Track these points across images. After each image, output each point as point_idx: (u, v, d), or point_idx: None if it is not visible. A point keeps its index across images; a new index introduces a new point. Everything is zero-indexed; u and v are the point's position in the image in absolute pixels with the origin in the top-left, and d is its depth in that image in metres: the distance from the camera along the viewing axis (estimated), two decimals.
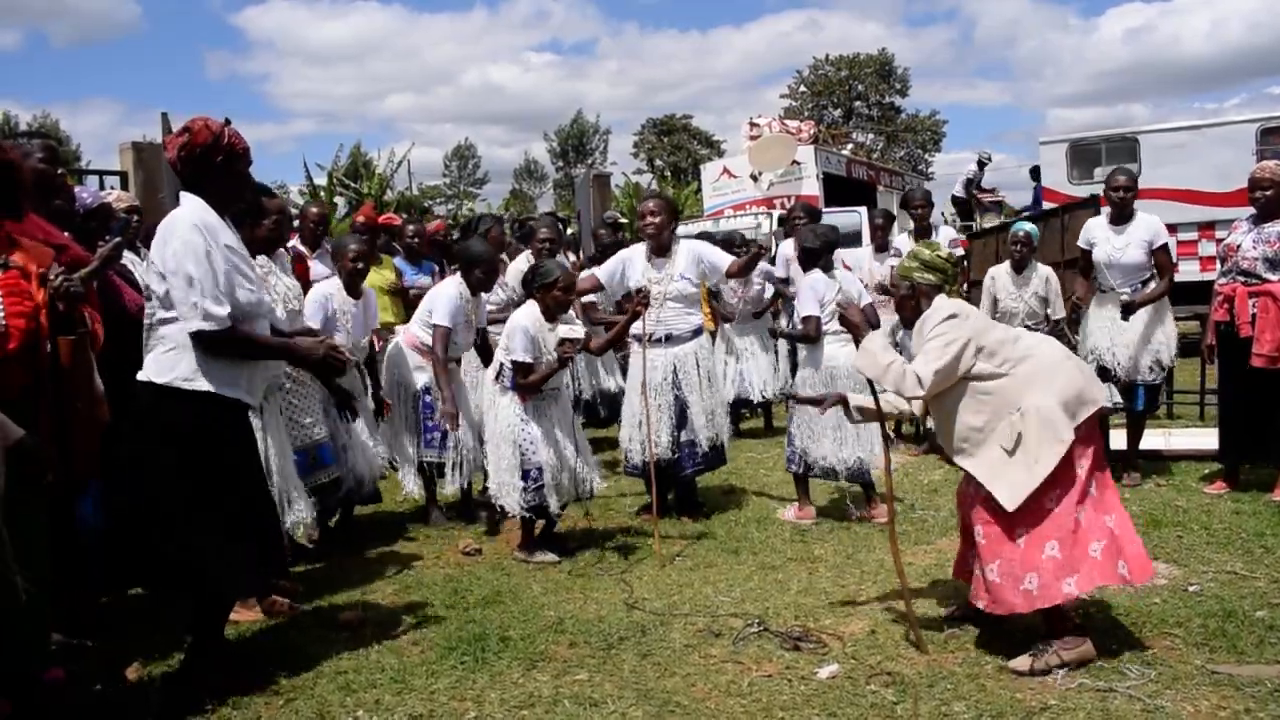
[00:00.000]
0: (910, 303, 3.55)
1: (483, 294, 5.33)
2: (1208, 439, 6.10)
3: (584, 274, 5.51)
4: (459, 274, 5.24)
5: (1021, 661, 3.18)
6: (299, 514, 4.11)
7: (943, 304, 3.44)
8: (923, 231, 7.21)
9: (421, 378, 5.22)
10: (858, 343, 3.61)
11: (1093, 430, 3.28)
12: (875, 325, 5.26)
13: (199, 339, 2.98)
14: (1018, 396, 3.24)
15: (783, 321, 7.50)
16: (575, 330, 4.61)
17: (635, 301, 4.76)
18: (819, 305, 5.12)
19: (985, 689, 3.02)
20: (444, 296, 5.10)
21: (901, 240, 7.32)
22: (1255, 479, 5.30)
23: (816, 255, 5.26)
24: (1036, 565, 3.15)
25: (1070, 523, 3.17)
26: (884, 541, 4.67)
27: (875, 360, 3.42)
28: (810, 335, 5.15)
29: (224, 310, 2.98)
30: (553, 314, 4.66)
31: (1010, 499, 3.19)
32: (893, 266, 6.94)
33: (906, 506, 5.31)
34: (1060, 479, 3.18)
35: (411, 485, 5.22)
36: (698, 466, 5.26)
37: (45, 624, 2.98)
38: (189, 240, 2.96)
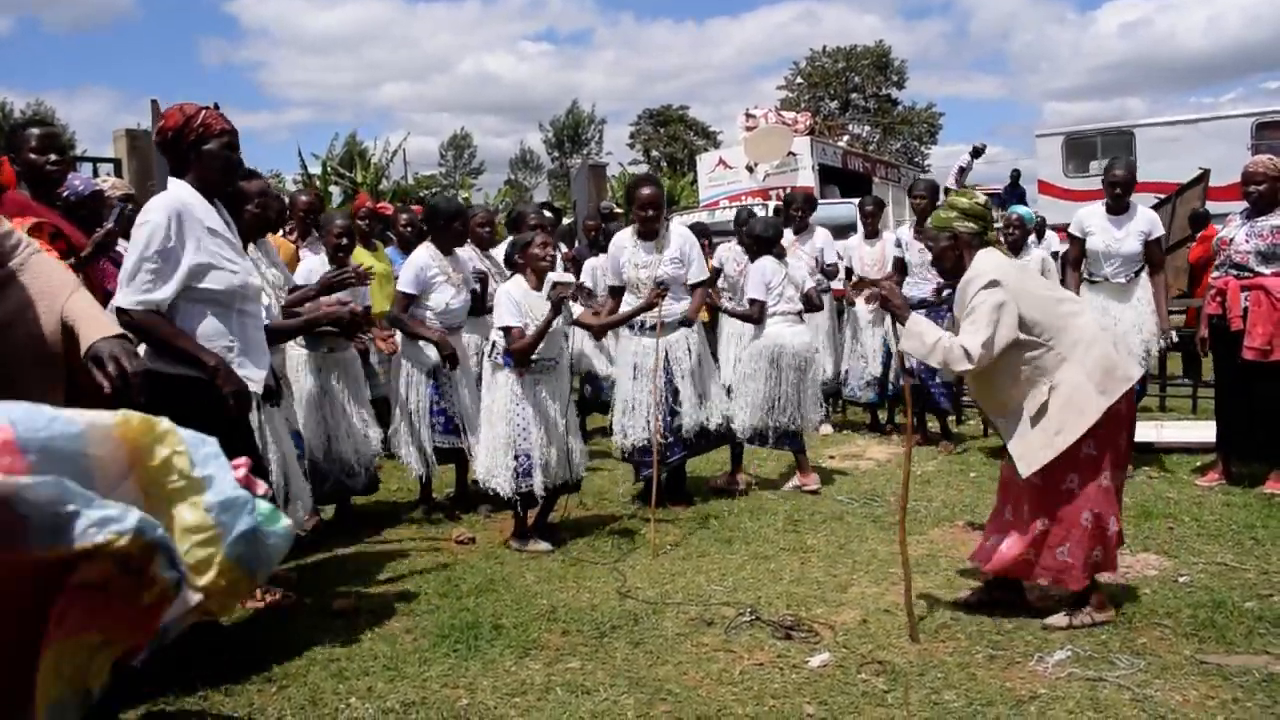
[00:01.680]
0: (952, 253, 3.49)
1: (460, 251, 5.32)
2: (1200, 431, 6.13)
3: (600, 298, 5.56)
4: (430, 238, 5.23)
5: (1059, 618, 3.37)
6: (303, 506, 4.07)
7: (984, 264, 3.38)
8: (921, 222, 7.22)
9: (430, 358, 5.14)
10: (900, 324, 3.53)
11: (1130, 405, 3.37)
12: (819, 307, 6.08)
13: (116, 315, 2.98)
14: (1053, 368, 3.29)
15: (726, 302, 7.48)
16: (565, 275, 4.61)
17: (654, 292, 4.86)
18: (765, 289, 5.55)
19: (976, 678, 3.04)
20: (408, 264, 5.15)
21: (903, 232, 7.27)
22: (1246, 471, 5.32)
23: (768, 244, 5.67)
24: (1104, 540, 3.31)
25: (1119, 497, 3.36)
26: (876, 532, 4.71)
27: (922, 340, 3.41)
28: (753, 316, 5.59)
29: (151, 297, 2.98)
30: (539, 276, 4.59)
31: (1025, 467, 3.27)
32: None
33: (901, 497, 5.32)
34: (1109, 458, 3.28)
35: (418, 466, 5.17)
36: (686, 452, 5.31)
37: None
38: (149, 220, 3.02)
